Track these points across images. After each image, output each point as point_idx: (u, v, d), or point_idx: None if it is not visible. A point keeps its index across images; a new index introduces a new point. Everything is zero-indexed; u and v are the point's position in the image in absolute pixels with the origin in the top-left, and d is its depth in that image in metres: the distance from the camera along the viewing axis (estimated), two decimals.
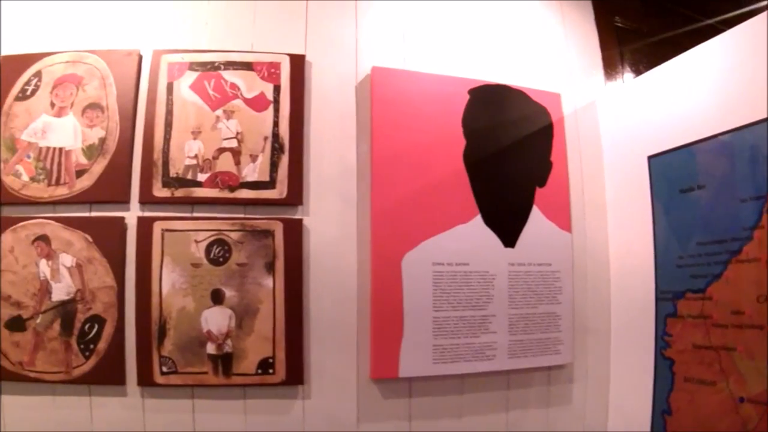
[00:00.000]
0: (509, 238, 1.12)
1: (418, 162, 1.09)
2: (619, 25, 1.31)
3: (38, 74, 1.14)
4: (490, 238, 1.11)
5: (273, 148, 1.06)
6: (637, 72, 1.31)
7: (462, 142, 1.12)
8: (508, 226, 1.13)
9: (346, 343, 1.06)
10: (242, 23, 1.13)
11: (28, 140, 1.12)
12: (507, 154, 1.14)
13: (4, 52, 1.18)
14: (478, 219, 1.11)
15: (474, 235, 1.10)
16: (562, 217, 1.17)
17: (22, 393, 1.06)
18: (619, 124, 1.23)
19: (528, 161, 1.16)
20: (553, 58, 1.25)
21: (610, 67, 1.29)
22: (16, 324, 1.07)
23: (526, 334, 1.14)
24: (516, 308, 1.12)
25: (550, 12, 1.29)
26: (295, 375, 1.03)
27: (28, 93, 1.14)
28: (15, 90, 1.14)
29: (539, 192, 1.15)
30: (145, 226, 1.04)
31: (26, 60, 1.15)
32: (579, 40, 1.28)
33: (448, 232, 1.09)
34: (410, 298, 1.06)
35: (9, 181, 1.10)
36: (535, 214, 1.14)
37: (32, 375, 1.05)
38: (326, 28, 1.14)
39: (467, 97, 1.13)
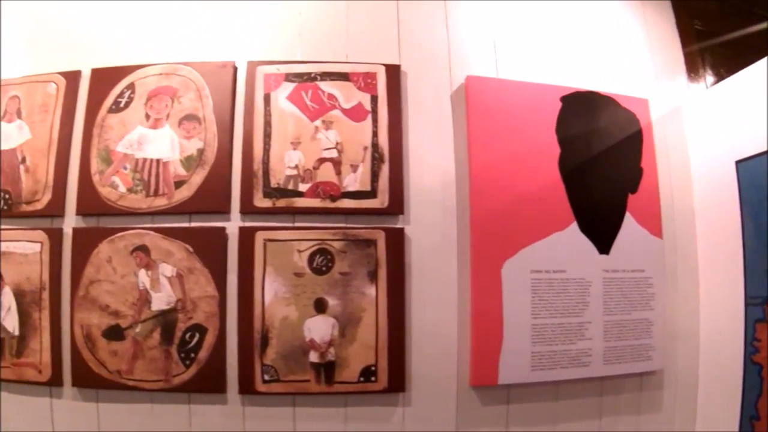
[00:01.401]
0: (604, 245, 1.16)
1: (515, 170, 1.12)
2: (699, 28, 1.35)
3: (131, 86, 1.19)
4: (585, 245, 1.14)
5: (373, 158, 1.10)
6: (719, 75, 1.34)
7: (557, 150, 1.15)
8: (602, 233, 1.16)
9: (446, 350, 1.09)
10: (336, 34, 1.17)
11: (123, 152, 1.17)
12: (600, 161, 1.17)
13: (95, 65, 1.25)
14: (574, 226, 1.14)
15: (570, 242, 1.13)
16: (654, 223, 1.20)
17: (120, 401, 1.11)
18: (706, 129, 1.25)
19: (620, 168, 1.18)
20: (638, 63, 1.27)
21: (693, 71, 1.32)
22: (115, 333, 1.12)
23: (619, 340, 1.17)
24: (610, 315, 1.15)
25: (632, 17, 1.31)
26: (397, 382, 1.06)
27: (122, 105, 1.19)
28: (108, 102, 1.19)
29: (631, 198, 1.18)
30: (247, 236, 1.08)
31: (118, 72, 1.19)
32: (661, 45, 1.31)
33: (545, 239, 1.12)
34: (509, 306, 1.09)
35: (106, 192, 1.15)
36: (628, 221, 1.17)
37: (131, 383, 1.10)
38: (418, 38, 1.18)
39: (560, 104, 1.17)
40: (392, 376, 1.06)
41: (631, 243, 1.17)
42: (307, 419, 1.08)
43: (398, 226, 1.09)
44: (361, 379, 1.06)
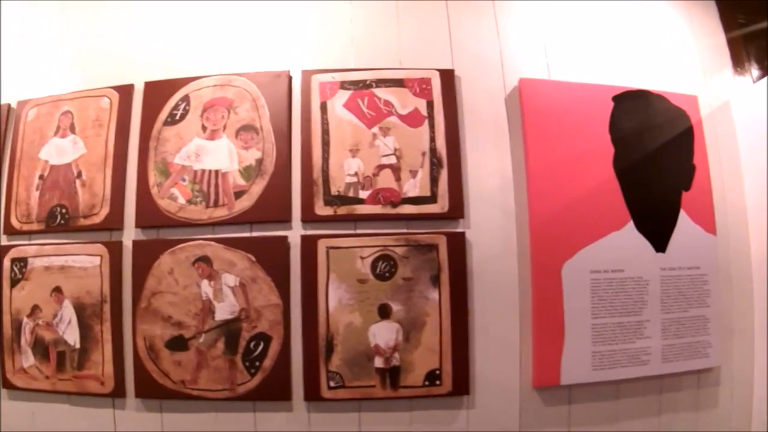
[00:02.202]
0: (660, 243, 1.17)
1: (571, 171, 1.14)
2: (743, 22, 1.38)
3: (186, 99, 1.21)
4: (642, 243, 1.16)
5: (432, 163, 1.12)
6: (764, 69, 1.37)
7: (611, 150, 1.17)
8: (658, 231, 1.18)
9: (508, 352, 1.11)
10: (388, 40, 1.19)
11: (181, 163, 1.19)
12: (653, 159, 1.19)
13: (147, 78, 1.27)
14: (631, 225, 1.16)
15: (627, 241, 1.15)
16: (708, 220, 1.21)
17: (184, 411, 1.13)
18: (755, 124, 1.26)
19: (672, 165, 1.20)
20: (685, 59, 1.29)
21: (739, 66, 1.34)
22: (178, 344, 1.14)
23: (677, 338, 1.19)
24: (668, 313, 1.17)
25: (676, 14, 1.32)
26: (461, 386, 1.08)
27: (177, 117, 1.21)
28: (163, 115, 1.21)
29: (685, 195, 1.20)
30: (309, 244, 1.10)
31: (172, 85, 1.22)
32: (707, 40, 1.32)
33: (603, 239, 1.14)
34: (570, 306, 1.11)
35: (165, 204, 1.17)
36: (683, 218, 1.19)
37: (195, 393, 1.12)
38: (470, 42, 1.20)
39: (611, 104, 1.18)
40: (457, 380, 1.08)
41: (686, 240, 1.19)
42: (373, 424, 1.10)
43: (459, 230, 1.11)
44: (426, 383, 1.08)
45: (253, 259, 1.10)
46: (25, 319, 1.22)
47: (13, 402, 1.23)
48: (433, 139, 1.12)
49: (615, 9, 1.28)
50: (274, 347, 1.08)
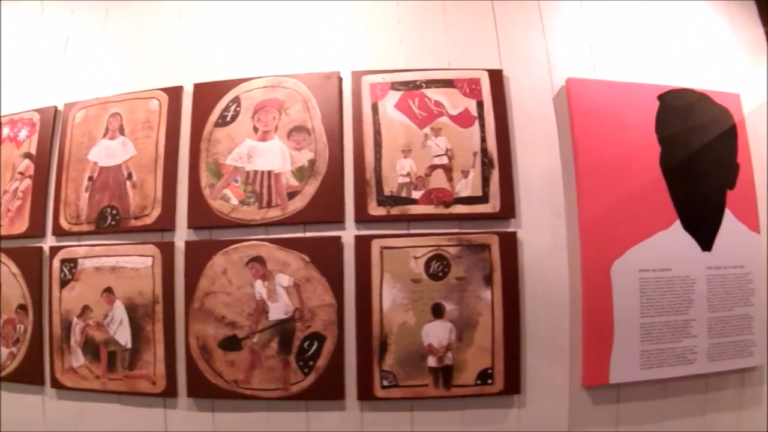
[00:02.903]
0: (706, 242, 1.19)
1: (619, 170, 1.16)
2: None
3: (236, 100, 1.22)
4: (688, 242, 1.18)
5: (483, 163, 1.13)
6: None
7: (657, 149, 1.18)
8: (704, 230, 1.19)
9: (558, 351, 1.13)
10: (436, 40, 1.21)
11: (233, 165, 1.20)
12: (698, 158, 1.21)
13: (196, 80, 1.28)
14: (677, 224, 1.18)
15: (674, 240, 1.16)
16: (752, 219, 1.23)
17: (236, 410, 1.15)
18: None
19: (717, 164, 1.22)
20: (726, 58, 1.31)
21: None
22: (232, 344, 1.15)
23: (722, 336, 1.20)
24: (714, 311, 1.18)
25: (717, 12, 1.33)
26: (513, 384, 1.10)
27: (228, 119, 1.22)
28: (213, 117, 1.22)
29: (729, 194, 1.21)
30: (363, 244, 1.12)
31: (221, 87, 1.24)
32: (747, 39, 1.34)
33: (651, 238, 1.15)
34: (619, 306, 1.13)
35: (217, 205, 1.18)
36: (728, 217, 1.20)
37: (248, 392, 1.14)
38: (517, 42, 1.22)
39: (657, 103, 1.21)
40: (508, 379, 1.09)
41: (731, 239, 1.20)
42: (425, 423, 1.11)
43: (510, 229, 1.13)
44: (478, 382, 1.09)
45: (307, 259, 1.12)
46: (75, 320, 1.24)
47: (61, 401, 1.25)
48: (483, 140, 1.14)
49: (657, 8, 1.29)
50: (328, 347, 1.10)
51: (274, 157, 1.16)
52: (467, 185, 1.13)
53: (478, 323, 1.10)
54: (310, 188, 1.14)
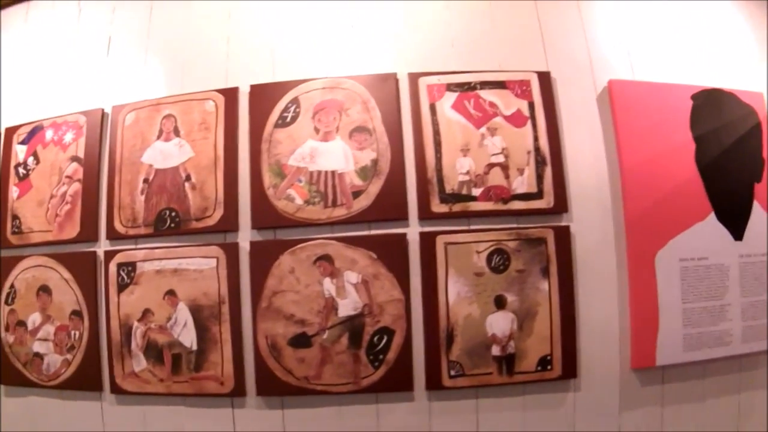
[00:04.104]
0: (738, 232, 1.29)
1: (659, 167, 1.25)
2: None
3: (295, 101, 1.25)
4: (722, 233, 1.28)
5: (536, 161, 1.20)
6: None
7: (692, 146, 1.29)
8: (736, 221, 1.29)
9: (609, 336, 1.21)
10: (485, 42, 1.27)
11: (296, 165, 1.23)
12: (729, 154, 1.31)
13: (252, 81, 1.29)
14: (712, 216, 1.27)
15: (710, 231, 1.26)
16: None
17: (306, 406, 1.19)
18: None
19: (745, 159, 1.32)
20: (750, 58, 1.41)
21: None
22: (302, 341, 1.19)
23: (754, 320, 1.30)
24: (746, 296, 1.29)
25: (743, 15, 1.43)
26: (570, 369, 1.18)
27: (288, 120, 1.25)
28: (273, 117, 1.25)
29: (757, 187, 1.32)
30: (428, 240, 1.17)
31: (279, 88, 1.27)
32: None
33: (689, 229, 1.25)
34: (663, 293, 1.22)
35: (282, 205, 1.21)
36: (756, 208, 1.31)
37: (319, 388, 1.18)
38: (561, 45, 1.29)
39: (690, 102, 1.31)
40: (565, 364, 1.17)
41: (760, 229, 1.31)
42: (489, 409, 1.18)
43: (563, 224, 1.21)
44: (539, 368, 1.17)
45: (374, 256, 1.16)
46: (136, 324, 1.24)
47: (121, 407, 1.26)
48: (536, 139, 1.21)
49: (687, 12, 1.38)
50: (397, 340, 1.15)
51: (337, 157, 1.20)
52: (523, 182, 1.19)
53: (538, 313, 1.17)
54: (374, 187, 1.18)
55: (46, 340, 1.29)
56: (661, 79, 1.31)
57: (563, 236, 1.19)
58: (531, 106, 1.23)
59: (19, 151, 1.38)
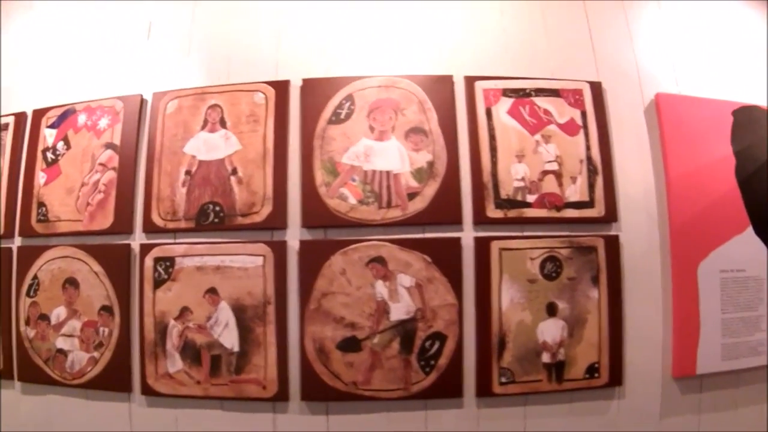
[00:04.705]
0: None
1: (702, 180, 1.28)
2: None
3: (350, 98, 1.23)
4: (759, 246, 1.31)
5: (588, 170, 1.21)
6: None
7: (732, 161, 1.33)
8: None
9: (652, 345, 1.23)
10: (539, 50, 1.28)
11: (350, 163, 1.20)
12: (765, 169, 1.36)
13: (304, 75, 1.26)
14: (750, 230, 1.31)
15: (747, 243, 1.30)
16: None
17: (353, 412, 1.16)
18: None
19: None
20: None
21: None
22: (351, 345, 1.16)
23: None
24: None
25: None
26: (616, 377, 1.19)
27: (342, 116, 1.23)
28: (326, 114, 1.23)
29: None
30: (483, 245, 1.16)
31: (333, 84, 1.24)
32: None
33: (729, 242, 1.28)
34: (704, 303, 1.25)
35: (334, 204, 1.18)
36: None
37: (367, 394, 1.15)
38: (610, 56, 1.31)
39: (731, 118, 1.35)
40: (612, 372, 1.18)
41: None
42: (537, 416, 1.18)
43: (613, 233, 1.22)
44: (587, 375, 1.17)
45: (429, 260, 1.14)
46: (173, 322, 1.19)
47: (152, 409, 1.20)
48: (588, 148, 1.23)
49: (730, 30, 1.41)
50: (449, 346, 1.14)
51: (393, 157, 1.18)
52: (575, 190, 1.20)
53: (587, 321, 1.18)
54: (430, 189, 1.17)
55: (71, 336, 1.22)
56: (704, 94, 1.35)
57: (613, 245, 1.20)
58: (583, 115, 1.25)
59: (48, 135, 1.32)
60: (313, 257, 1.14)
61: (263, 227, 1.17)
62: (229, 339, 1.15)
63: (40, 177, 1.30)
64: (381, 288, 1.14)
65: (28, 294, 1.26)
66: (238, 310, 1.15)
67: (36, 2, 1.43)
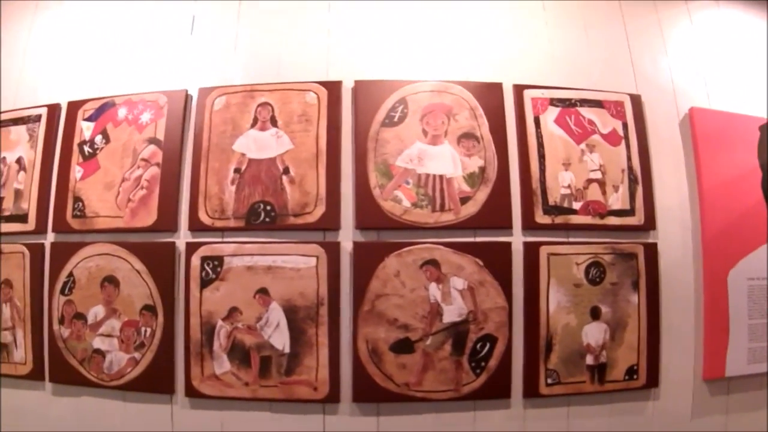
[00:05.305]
0: None
1: (732, 192, 1.37)
2: None
3: (403, 101, 1.27)
4: None
5: (629, 180, 1.29)
6: None
7: (758, 173, 1.43)
8: None
9: (685, 349, 1.31)
10: (582, 61, 1.35)
11: (404, 166, 1.24)
12: None
13: (356, 77, 1.29)
14: None
15: None
16: None
17: (402, 413, 1.19)
18: None
19: None
20: None
21: None
22: (404, 346, 1.19)
23: None
24: None
25: None
26: (653, 379, 1.27)
27: (395, 120, 1.26)
28: (380, 116, 1.26)
29: None
30: (532, 250, 1.22)
31: (386, 86, 1.28)
32: None
33: (756, 251, 1.38)
34: (733, 309, 1.34)
35: (389, 206, 1.21)
36: None
37: (419, 395, 1.19)
38: (648, 70, 1.39)
39: (758, 133, 1.46)
40: (649, 374, 1.26)
41: None
42: (579, 416, 1.24)
43: (651, 240, 1.30)
44: (626, 377, 1.24)
45: (481, 263, 1.19)
46: (220, 322, 1.19)
47: (195, 411, 1.20)
48: (629, 158, 1.30)
49: (755, 49, 1.50)
50: (500, 348, 1.19)
51: (446, 161, 1.22)
52: (618, 199, 1.28)
53: (628, 324, 1.25)
54: (482, 194, 1.22)
55: (109, 336, 1.21)
56: (733, 109, 1.44)
57: (652, 252, 1.28)
58: (625, 126, 1.32)
59: (85, 128, 1.30)
60: (368, 259, 1.18)
61: (316, 228, 1.19)
62: (280, 340, 1.17)
63: (77, 171, 1.29)
64: (434, 290, 1.18)
65: (62, 292, 1.25)
66: (290, 311, 1.17)
67: None
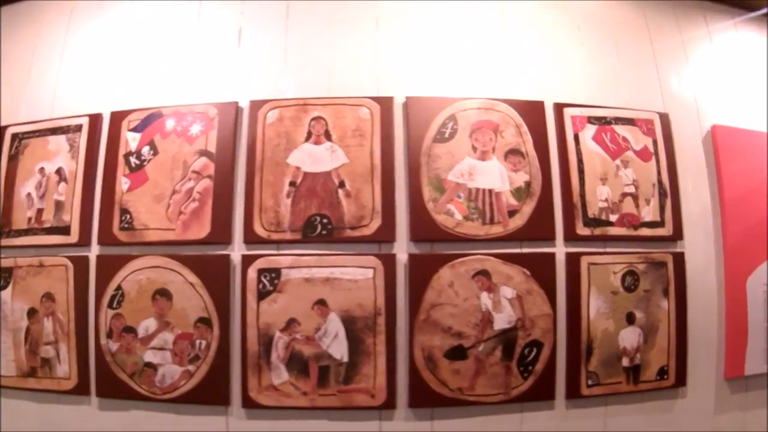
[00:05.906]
0: None
1: (750, 203, 1.53)
2: None
3: (452, 118, 1.35)
4: None
5: (659, 193, 1.42)
6: None
7: None
8: None
9: (708, 350, 1.45)
10: (613, 81, 1.46)
11: (455, 181, 1.32)
12: None
13: (405, 92, 1.35)
14: None
15: None
16: None
17: (454, 417, 1.30)
18: None
19: None
20: None
21: None
22: (458, 353, 1.28)
23: None
24: None
25: None
26: (681, 379, 1.40)
27: (446, 135, 1.34)
28: (431, 132, 1.34)
29: None
30: (574, 260, 1.33)
31: (436, 103, 1.37)
32: None
33: None
34: (752, 313, 1.49)
35: (441, 219, 1.29)
36: None
37: (471, 399, 1.28)
38: (674, 89, 1.53)
39: None
40: (678, 374, 1.39)
41: None
42: (614, 414, 1.36)
43: (679, 250, 1.43)
44: (657, 377, 1.37)
45: (528, 273, 1.29)
46: (278, 334, 1.24)
47: (251, 422, 1.25)
48: (659, 173, 1.44)
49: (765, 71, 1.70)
50: (545, 352, 1.29)
51: (494, 176, 1.31)
52: (649, 211, 1.41)
53: (659, 328, 1.38)
54: (528, 208, 1.32)
55: (162, 349, 1.25)
56: (751, 126, 1.59)
57: (680, 261, 1.42)
58: (654, 143, 1.46)
59: (131, 139, 1.33)
60: (423, 270, 1.26)
61: (373, 240, 1.27)
62: (339, 350, 1.23)
63: (123, 182, 1.31)
64: (486, 299, 1.27)
65: (110, 306, 1.27)
66: (348, 321, 1.24)
67: (106, 2, 1.42)
